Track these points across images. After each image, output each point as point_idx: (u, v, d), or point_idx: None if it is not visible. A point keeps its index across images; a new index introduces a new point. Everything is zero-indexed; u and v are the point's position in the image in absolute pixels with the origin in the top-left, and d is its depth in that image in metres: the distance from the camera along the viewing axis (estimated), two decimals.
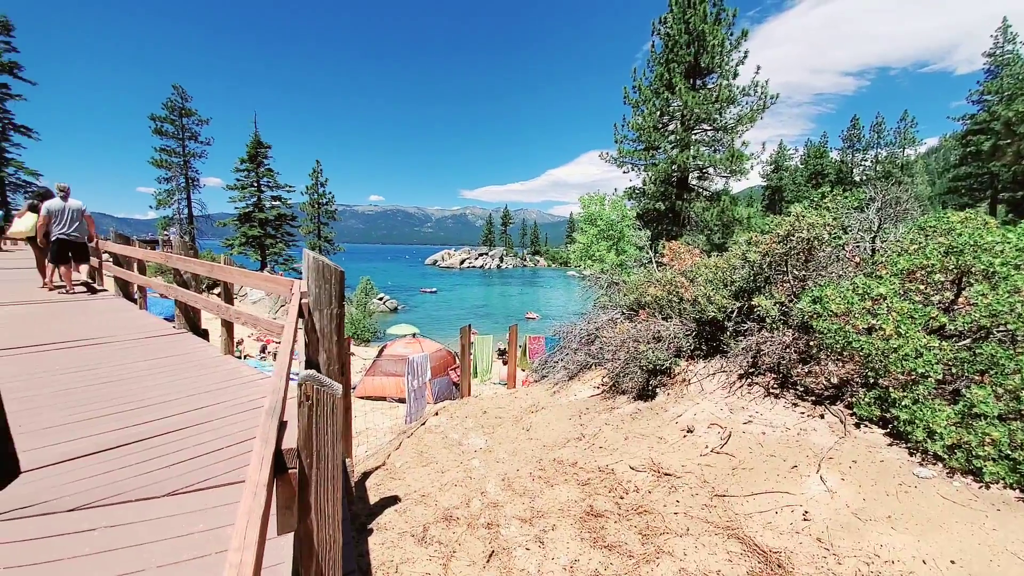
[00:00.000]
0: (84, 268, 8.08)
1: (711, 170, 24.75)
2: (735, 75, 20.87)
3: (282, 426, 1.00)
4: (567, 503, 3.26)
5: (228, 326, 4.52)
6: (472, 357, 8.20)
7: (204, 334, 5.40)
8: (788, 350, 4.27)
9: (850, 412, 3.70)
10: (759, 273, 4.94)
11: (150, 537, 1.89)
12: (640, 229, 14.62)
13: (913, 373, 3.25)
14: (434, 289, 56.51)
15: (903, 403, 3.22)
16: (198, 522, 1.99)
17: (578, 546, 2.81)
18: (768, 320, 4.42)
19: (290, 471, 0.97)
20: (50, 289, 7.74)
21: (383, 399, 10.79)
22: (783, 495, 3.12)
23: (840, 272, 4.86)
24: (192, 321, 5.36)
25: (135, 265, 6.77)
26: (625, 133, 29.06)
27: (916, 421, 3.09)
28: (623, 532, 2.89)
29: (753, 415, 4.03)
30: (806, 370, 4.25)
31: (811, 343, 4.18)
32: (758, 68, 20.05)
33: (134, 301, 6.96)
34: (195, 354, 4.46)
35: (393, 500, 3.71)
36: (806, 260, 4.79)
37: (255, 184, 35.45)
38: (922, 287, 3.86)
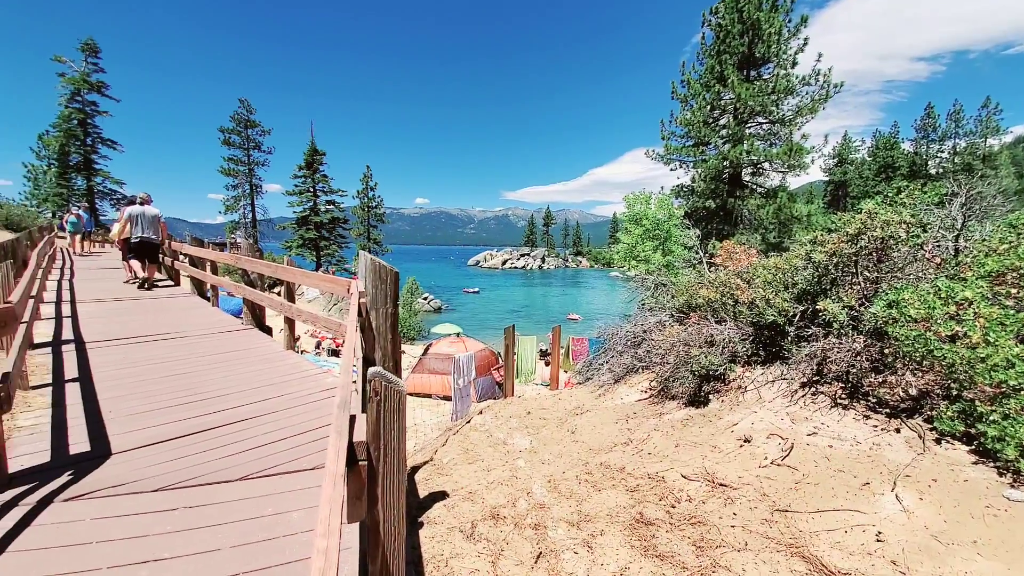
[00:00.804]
0: (156, 266, 8.99)
1: (767, 165, 23.48)
2: (794, 64, 19.65)
3: (352, 419, 1.04)
4: (615, 509, 3.19)
5: (290, 323, 4.80)
6: (515, 357, 8.23)
7: (268, 330, 5.76)
8: (859, 358, 3.97)
9: (930, 426, 3.39)
10: (824, 275, 4.62)
11: (224, 519, 2.04)
12: (689, 228, 14.05)
13: (1003, 385, 2.93)
14: (476, 289, 57.22)
15: (991, 418, 2.90)
16: (267, 506, 2.12)
17: (628, 553, 2.75)
18: (836, 325, 4.13)
19: (360, 463, 1.01)
20: (133, 284, 8.68)
21: (428, 396, 11.06)
22: (853, 513, 2.90)
23: (919, 274, 4.46)
24: (258, 318, 5.73)
25: (208, 265, 7.33)
26: (673, 129, 28.10)
27: (1007, 438, 2.79)
28: (675, 542, 2.79)
29: (818, 426, 3.77)
30: (879, 380, 3.92)
31: (885, 351, 3.85)
32: (819, 56, 18.80)
33: (207, 299, 7.54)
34: (260, 349, 4.77)
35: (441, 495, 3.79)
36: (879, 260, 4.43)
37: (311, 189, 37.45)
38: (1014, 291, 3.47)
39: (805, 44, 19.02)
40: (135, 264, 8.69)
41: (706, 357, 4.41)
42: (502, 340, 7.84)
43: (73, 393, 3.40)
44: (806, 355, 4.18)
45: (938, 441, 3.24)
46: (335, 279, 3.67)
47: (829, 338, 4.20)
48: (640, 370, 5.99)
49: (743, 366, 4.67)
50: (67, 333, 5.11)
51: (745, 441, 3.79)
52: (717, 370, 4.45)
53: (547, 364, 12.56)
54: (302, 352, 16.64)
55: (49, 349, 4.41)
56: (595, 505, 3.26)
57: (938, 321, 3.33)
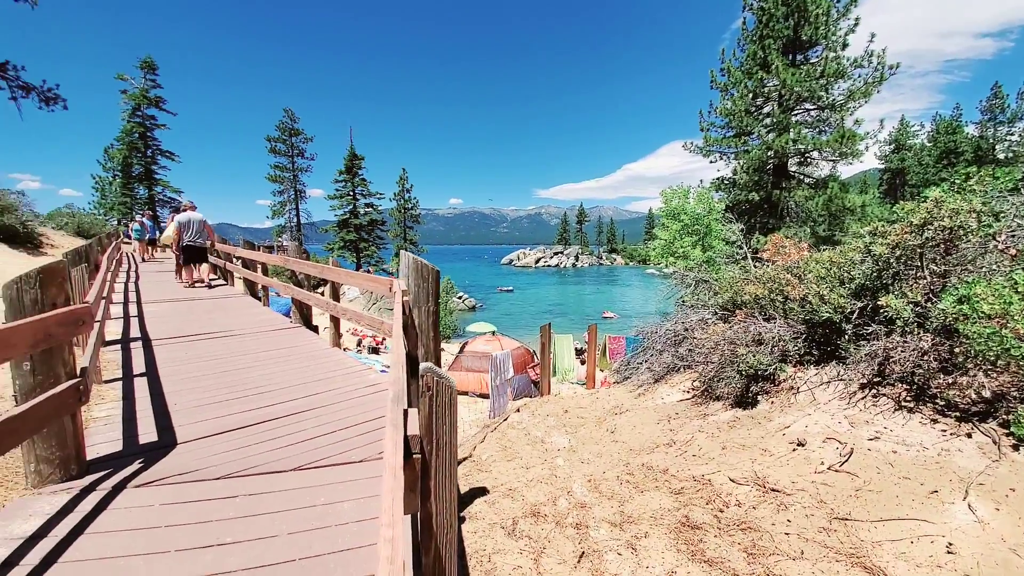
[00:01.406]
0: (205, 267, 9.78)
1: (815, 154, 22.31)
2: (844, 46, 18.52)
3: (405, 414, 1.06)
4: (659, 511, 3.11)
5: (335, 321, 4.97)
6: (552, 356, 8.19)
7: (315, 328, 6.00)
8: (926, 357, 3.69)
9: (1006, 431, 3.11)
10: (885, 268, 4.32)
11: (280, 506, 2.13)
12: (732, 222, 13.47)
13: None
14: (510, 288, 57.35)
15: None
16: (319, 496, 2.20)
17: (674, 557, 2.67)
18: (899, 323, 3.85)
19: (414, 456, 1.03)
20: (187, 285, 9.38)
21: (465, 393, 11.19)
22: (920, 523, 2.70)
23: (992, 267, 4.09)
24: (305, 316, 5.98)
25: (259, 267, 7.72)
26: (712, 120, 27.16)
27: None
28: (725, 548, 2.68)
29: (880, 431, 3.54)
30: (948, 381, 3.63)
31: (955, 350, 3.56)
32: (872, 36, 17.62)
33: (258, 298, 7.94)
34: (308, 346, 4.97)
35: (482, 491, 3.82)
36: (947, 252, 4.10)
37: (351, 193, 38.74)
38: None
39: (856, 24, 17.88)
40: (187, 269, 9.40)
41: (754, 356, 4.22)
42: (537, 338, 7.81)
43: (141, 387, 3.66)
44: (866, 354, 3.92)
45: (1016, 447, 2.97)
46: (377, 278, 3.76)
47: (892, 336, 3.92)
48: (681, 369, 5.82)
49: (794, 366, 4.43)
50: (134, 331, 5.51)
51: (799, 445, 3.60)
52: (766, 370, 4.25)
53: (583, 363, 12.44)
54: (344, 349, 17.26)
55: (119, 346, 4.78)
56: (638, 506, 3.19)
57: (1015, 317, 3.04)
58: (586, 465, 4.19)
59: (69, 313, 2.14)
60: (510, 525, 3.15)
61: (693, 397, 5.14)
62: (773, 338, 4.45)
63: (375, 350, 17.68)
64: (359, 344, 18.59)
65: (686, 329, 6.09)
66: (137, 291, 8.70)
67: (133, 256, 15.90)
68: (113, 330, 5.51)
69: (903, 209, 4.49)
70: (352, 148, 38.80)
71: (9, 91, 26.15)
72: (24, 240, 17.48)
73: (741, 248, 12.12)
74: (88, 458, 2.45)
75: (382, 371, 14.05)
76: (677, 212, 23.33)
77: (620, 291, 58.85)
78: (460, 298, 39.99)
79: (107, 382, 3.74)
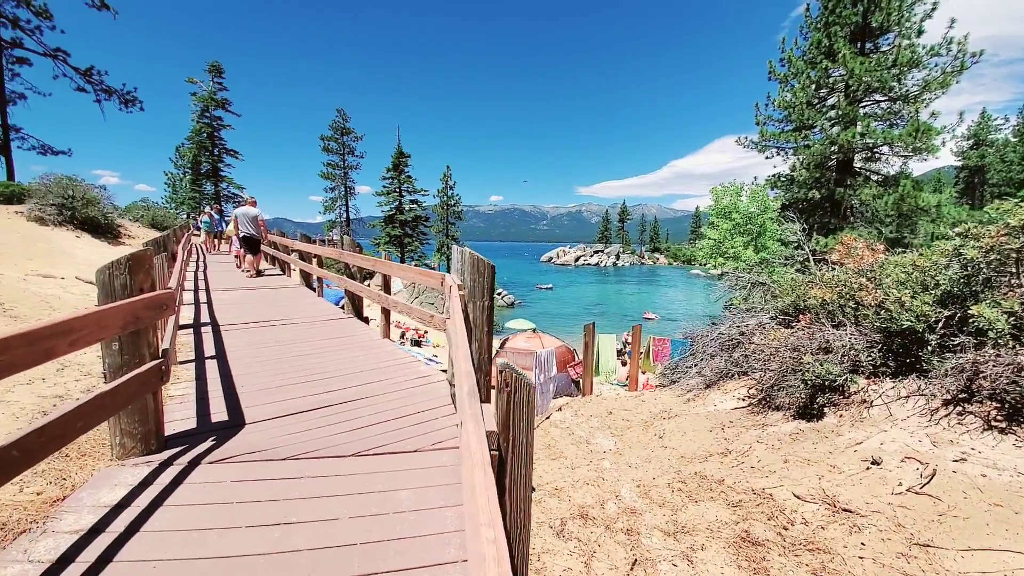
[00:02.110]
0: (255, 257, 10.51)
1: (885, 149, 20.66)
2: (919, 32, 17.00)
3: (481, 408, 1.04)
4: (716, 523, 2.96)
5: (386, 313, 5.10)
6: (595, 356, 8.03)
7: (365, 320, 6.19)
8: (1022, 374, 3.31)
9: None
10: (975, 274, 3.91)
11: (340, 490, 2.19)
12: (793, 221, 12.67)
13: None
14: (550, 285, 57.03)
15: None
16: (377, 483, 2.25)
17: (734, 573, 2.53)
18: (991, 334, 3.47)
19: (492, 453, 1.00)
20: (247, 273, 10.32)
21: None
22: (1015, 555, 2.43)
23: None
24: (357, 308, 6.18)
25: (314, 260, 8.06)
26: (769, 113, 25.74)
27: None
28: (791, 568, 2.52)
29: (967, 452, 3.21)
30: None
31: None
32: (952, 21, 16.06)
33: (313, 289, 8.31)
34: (360, 336, 5.13)
35: None
36: None
37: (397, 190, 39.85)
38: None
39: (933, 9, 16.34)
40: (247, 257, 10.42)
41: (822, 365, 3.94)
42: (578, 337, 7.69)
43: (211, 368, 3.90)
44: (952, 368, 3.57)
45: None
46: (429, 272, 3.81)
47: (983, 349, 3.54)
48: (735, 376, 5.54)
49: (867, 377, 4.10)
50: (203, 316, 5.90)
51: (873, 463, 3.33)
52: (836, 380, 3.95)
53: (623, 363, 12.16)
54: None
55: (191, 330, 5.13)
56: (692, 517, 3.05)
57: None
58: (634, 469, 4.08)
59: (155, 298, 2.29)
60: (558, 525, 3.11)
61: (749, 405, 4.89)
62: (844, 346, 4.14)
63: (417, 342, 18.10)
64: (402, 336, 19.11)
65: (741, 334, 5.80)
66: (206, 279, 9.33)
67: (201, 247, 17.06)
68: (185, 315, 5.92)
69: (997, 209, 4.06)
70: (399, 146, 39.88)
71: (94, 94, 28.67)
72: (105, 230, 19.15)
73: (800, 249, 11.41)
74: (166, 434, 2.62)
75: (427, 362, 14.40)
76: (728, 211, 22.34)
77: (662, 292, 57.18)
78: (499, 295, 40.26)
79: (181, 363, 4.01)
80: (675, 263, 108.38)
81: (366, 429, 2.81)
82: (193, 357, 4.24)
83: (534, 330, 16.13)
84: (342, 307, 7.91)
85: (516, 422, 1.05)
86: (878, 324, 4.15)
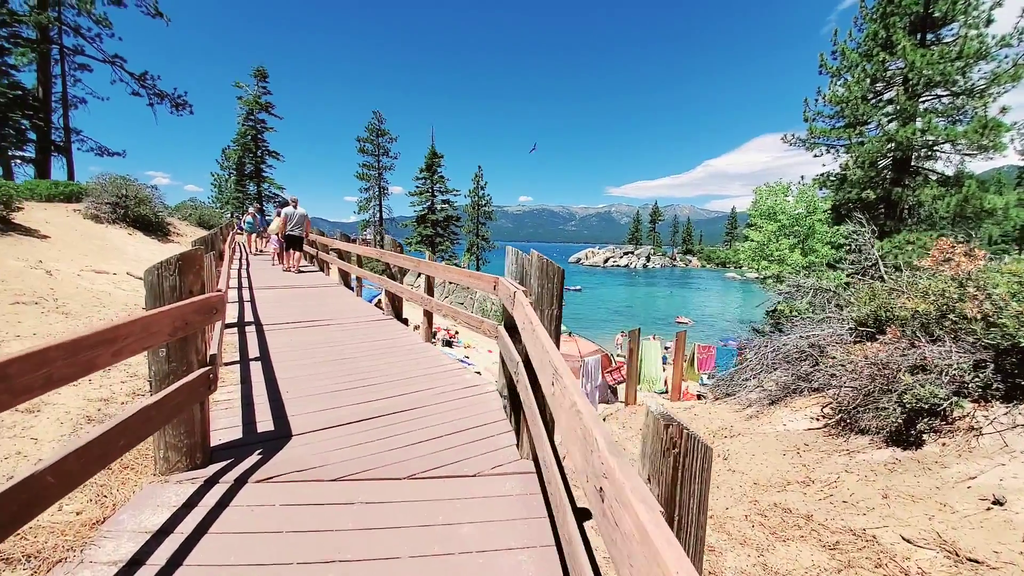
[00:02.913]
0: (299, 255, 11.18)
1: (947, 147, 19.22)
2: (988, 22, 15.67)
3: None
4: (815, 569, 2.57)
5: (428, 316, 4.89)
6: (639, 362, 7.62)
7: (405, 321, 6.03)
8: None
9: None
10: None
11: (397, 520, 1.95)
12: (861, 224, 11.73)
13: None
14: (579, 287, 56.24)
15: None
16: (437, 514, 2.00)
17: None
18: None
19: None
20: (284, 269, 10.98)
21: None
22: None
23: None
24: (397, 309, 6.03)
25: (353, 258, 8.00)
26: (819, 109, 24.53)
27: None
28: None
29: None
30: None
31: None
32: None
33: (352, 288, 8.26)
34: (402, 339, 4.95)
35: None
36: None
37: (430, 190, 40.18)
38: None
39: None
40: (287, 255, 11.12)
41: (924, 386, 3.45)
42: (607, 340, 7.31)
43: (256, 372, 3.78)
44: None
45: None
46: (479, 275, 3.56)
47: None
48: (804, 392, 5.04)
49: (974, 401, 3.57)
50: (247, 316, 5.88)
51: (995, 503, 2.84)
52: (940, 404, 3.45)
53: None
54: (416, 328, 17.75)
55: (235, 330, 5.08)
56: (784, 560, 2.66)
57: None
58: None
59: (205, 301, 2.12)
60: None
61: (825, 427, 4.40)
62: (945, 365, 3.62)
63: (448, 343, 18.02)
64: (434, 336, 19.10)
65: (812, 345, 5.28)
66: (249, 278, 9.46)
67: (244, 246, 17.53)
68: (231, 314, 5.91)
69: None
70: (432, 147, 40.20)
71: (147, 98, 30.16)
72: (156, 228, 19.98)
73: (859, 252, 10.57)
74: (211, 445, 2.47)
75: (461, 361, 14.26)
76: (773, 212, 21.24)
77: (695, 295, 55.41)
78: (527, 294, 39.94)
79: (226, 364, 3.92)
80: (709, 266, 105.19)
81: (419, 447, 2.57)
82: (238, 358, 4.14)
83: (569, 333, 15.71)
84: (378, 304, 7.82)
85: (685, 498, 0.76)
86: (987, 340, 3.61)
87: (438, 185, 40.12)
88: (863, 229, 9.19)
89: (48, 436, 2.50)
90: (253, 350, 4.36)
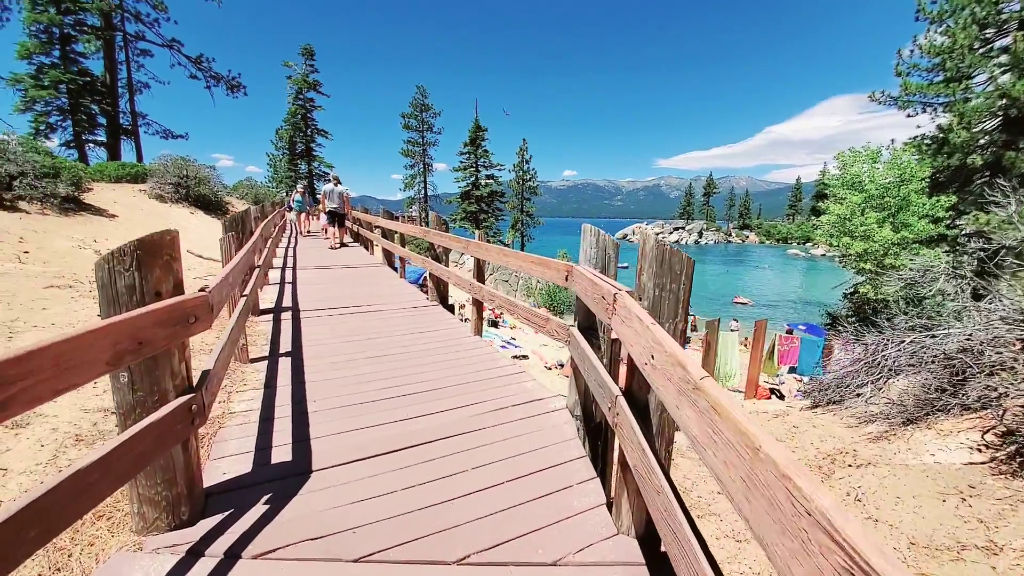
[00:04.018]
0: (338, 231, 11.49)
1: None
2: None
3: None
4: None
5: (478, 305, 4.20)
6: (716, 357, 6.63)
7: (451, 308, 5.40)
8: None
9: None
10: None
11: None
12: (1007, 193, 9.84)
13: None
14: (625, 265, 53.94)
15: None
16: None
17: None
18: None
19: None
20: (330, 246, 11.23)
21: None
22: None
23: None
24: (442, 295, 5.40)
25: (396, 237, 7.45)
26: (915, 61, 21.34)
27: None
28: None
29: None
30: None
31: None
32: None
33: (395, 269, 7.74)
34: (450, 331, 4.30)
35: None
36: None
37: (474, 165, 39.38)
38: None
39: None
40: (331, 229, 11.44)
41: None
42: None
43: (284, 371, 3.24)
44: None
45: None
46: (546, 261, 2.79)
47: None
48: (954, 410, 3.93)
49: None
50: (287, 299, 5.46)
51: None
52: None
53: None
54: (464, 321, 17.36)
55: (271, 316, 4.63)
56: None
57: None
58: None
59: (174, 308, 1.49)
60: None
61: (992, 460, 3.34)
62: None
63: (495, 323, 17.50)
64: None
65: (964, 351, 4.11)
66: (295, 257, 9.22)
67: (294, 225, 17.67)
68: (269, 297, 5.53)
69: None
70: (476, 120, 39.16)
71: (204, 80, 31.05)
72: (215, 207, 20.61)
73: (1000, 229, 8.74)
74: (208, 484, 1.90)
75: (505, 345, 13.62)
76: (859, 181, 18.76)
77: (752, 273, 51.66)
78: None
79: (253, 361, 3.42)
80: (768, 241, 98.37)
81: (471, 501, 1.88)
82: (267, 352, 3.65)
83: None
84: (422, 287, 7.25)
85: None
86: None
87: (482, 160, 39.20)
88: (1008, 199, 7.43)
89: (21, 464, 2.03)
90: (286, 342, 3.86)
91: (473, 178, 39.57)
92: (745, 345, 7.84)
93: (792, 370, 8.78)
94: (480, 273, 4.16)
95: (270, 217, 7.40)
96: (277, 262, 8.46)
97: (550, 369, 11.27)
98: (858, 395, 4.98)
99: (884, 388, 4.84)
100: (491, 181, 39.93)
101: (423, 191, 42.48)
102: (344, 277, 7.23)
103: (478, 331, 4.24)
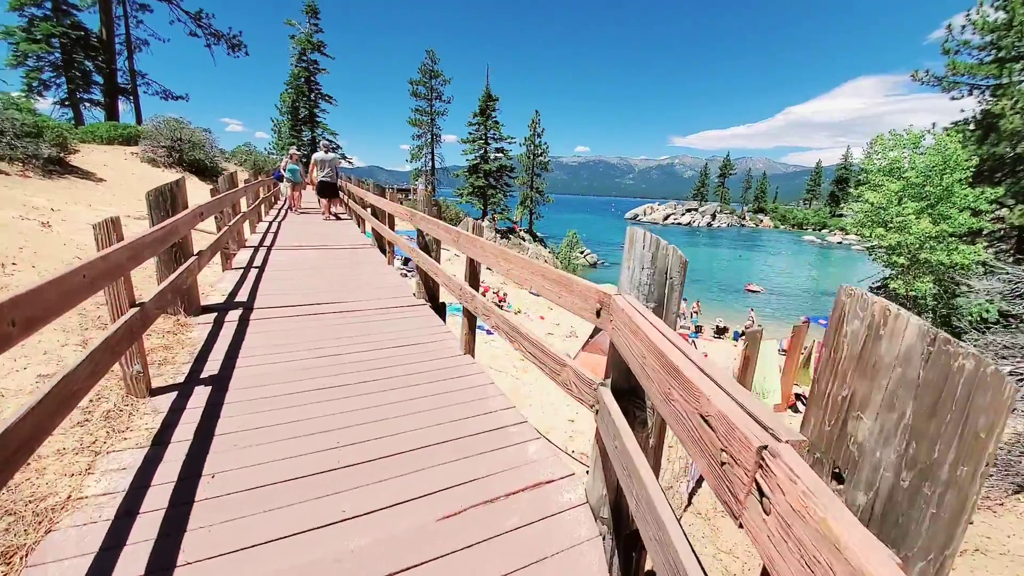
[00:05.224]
0: (329, 202, 10.93)
1: None
2: None
3: None
4: None
5: (470, 317, 3.25)
6: (754, 371, 5.69)
7: (442, 308, 4.48)
8: None
9: None
10: None
11: None
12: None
13: None
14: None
15: None
16: None
17: None
18: None
19: None
20: (324, 218, 10.76)
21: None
22: None
23: None
24: (432, 292, 4.47)
25: (386, 217, 6.46)
26: (965, 38, 19.61)
27: None
28: None
29: None
30: None
31: None
32: None
33: (384, 253, 6.78)
34: (440, 348, 3.37)
35: None
36: None
37: (483, 137, 37.71)
38: None
39: None
40: (323, 201, 10.84)
41: None
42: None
43: (193, 414, 2.34)
44: None
45: None
46: (567, 280, 1.83)
47: None
48: None
49: None
50: (245, 291, 4.55)
51: None
52: None
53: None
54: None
55: (213, 317, 3.73)
56: None
57: None
58: None
59: None
60: None
61: None
62: None
63: (498, 307, 16.67)
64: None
65: None
66: (276, 235, 8.28)
67: (288, 198, 15.75)
68: (224, 288, 4.63)
69: None
70: (487, 89, 37.27)
71: (204, 38, 29.52)
72: (211, 173, 19.59)
73: None
74: None
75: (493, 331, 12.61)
76: (897, 168, 17.31)
77: (764, 259, 50.00)
78: (582, 253, 37.51)
79: (156, 393, 2.52)
80: (783, 226, 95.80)
81: None
82: (185, 376, 2.75)
83: None
84: (412, 274, 6.32)
85: None
86: None
87: (492, 132, 37.51)
88: None
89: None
90: (217, 360, 2.95)
91: (482, 151, 37.99)
92: (782, 352, 6.89)
93: None
94: (475, 276, 3.20)
95: (233, 191, 6.41)
96: (254, 239, 7.54)
97: None
98: None
99: None
100: (501, 155, 38.34)
101: (431, 163, 41.01)
102: (325, 261, 6.29)
103: (470, 349, 3.31)
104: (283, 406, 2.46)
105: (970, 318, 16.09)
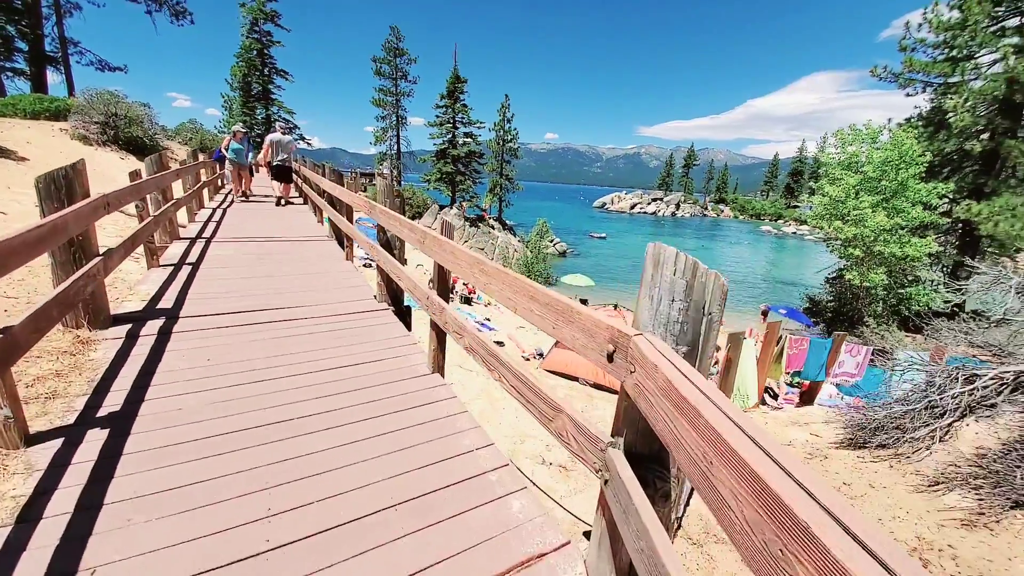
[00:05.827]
0: (285, 186, 10.43)
1: None
2: None
3: None
4: None
5: (438, 332, 2.79)
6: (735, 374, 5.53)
7: (407, 313, 3.99)
8: None
9: None
10: None
11: None
12: None
13: None
14: (603, 234, 53.08)
15: None
16: None
17: None
18: None
19: None
20: (276, 202, 10.44)
21: (574, 379, 9.03)
22: None
23: None
24: (396, 297, 3.97)
25: (344, 209, 5.82)
26: (921, 36, 20.34)
27: None
28: None
29: None
30: None
31: None
32: None
33: (343, 247, 6.16)
34: (403, 365, 2.89)
35: None
36: None
37: (451, 120, 36.47)
38: None
39: None
40: (275, 184, 10.39)
41: None
42: (632, 295, 5.20)
43: (79, 473, 1.81)
44: None
45: None
46: (567, 309, 1.43)
47: None
48: None
49: None
50: (171, 295, 3.90)
51: None
52: None
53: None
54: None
55: (126, 330, 3.10)
56: None
57: None
58: None
59: None
60: None
61: None
62: None
63: (467, 299, 16.13)
64: (452, 290, 17.20)
65: None
66: (217, 225, 7.44)
67: (233, 182, 13.85)
68: (146, 290, 3.96)
69: None
70: (455, 70, 35.97)
71: (144, 4, 26.82)
72: (151, 152, 17.87)
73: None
74: None
75: (480, 327, 12.13)
76: (855, 163, 17.89)
77: (726, 249, 51.79)
78: (552, 242, 37.29)
79: (33, 442, 1.95)
80: (742, 216, 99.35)
81: None
82: (76, 416, 2.19)
83: (615, 306, 13.26)
84: (373, 264, 5.78)
85: None
86: None
87: (460, 115, 36.35)
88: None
89: None
90: (122, 392, 2.39)
91: (450, 135, 36.81)
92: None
93: (797, 374, 7.91)
94: (444, 283, 2.74)
95: (160, 174, 5.60)
96: (193, 229, 6.72)
97: (528, 360, 10.08)
98: (918, 438, 3.97)
99: (951, 435, 3.84)
100: (470, 140, 37.28)
101: (396, 146, 39.44)
102: (272, 256, 5.62)
103: (438, 366, 2.87)
104: (200, 455, 1.95)
105: (917, 307, 16.95)
